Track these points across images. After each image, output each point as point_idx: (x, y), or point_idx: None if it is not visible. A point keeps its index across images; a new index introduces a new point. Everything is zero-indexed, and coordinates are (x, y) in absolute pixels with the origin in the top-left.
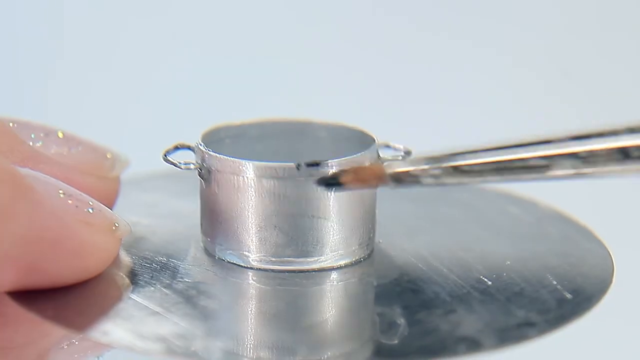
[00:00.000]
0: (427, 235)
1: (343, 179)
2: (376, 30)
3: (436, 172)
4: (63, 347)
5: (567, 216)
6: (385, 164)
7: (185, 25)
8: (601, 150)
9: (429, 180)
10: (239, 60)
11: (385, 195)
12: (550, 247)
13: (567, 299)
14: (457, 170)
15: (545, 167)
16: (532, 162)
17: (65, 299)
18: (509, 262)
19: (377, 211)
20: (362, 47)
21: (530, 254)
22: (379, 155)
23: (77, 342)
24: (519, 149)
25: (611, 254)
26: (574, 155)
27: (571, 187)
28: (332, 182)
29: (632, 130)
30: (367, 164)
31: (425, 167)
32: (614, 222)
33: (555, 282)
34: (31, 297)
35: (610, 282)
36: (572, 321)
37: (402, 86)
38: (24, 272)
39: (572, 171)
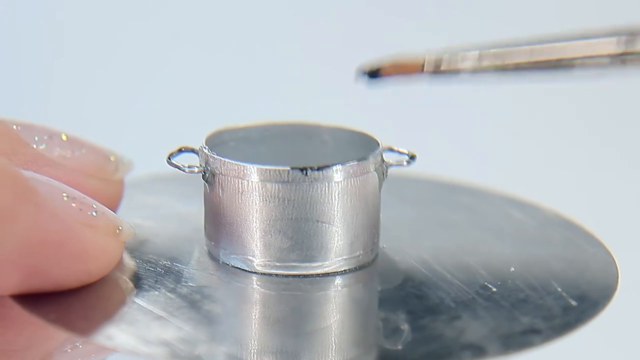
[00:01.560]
0: (431, 240)
1: (383, 65)
2: (380, 33)
3: (474, 56)
4: (66, 350)
5: (570, 221)
6: (426, 54)
7: (189, 28)
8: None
9: (468, 64)
10: (243, 63)
11: (389, 199)
12: (554, 252)
13: (572, 305)
14: (496, 56)
15: (580, 63)
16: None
17: (69, 303)
18: (513, 269)
19: (381, 216)
20: (366, 49)
21: (535, 260)
22: (383, 159)
23: (80, 346)
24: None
25: (615, 260)
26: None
27: (574, 190)
28: (374, 74)
29: None
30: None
31: (465, 53)
32: (618, 227)
33: (560, 289)
34: (34, 300)
35: (615, 288)
36: (577, 328)
37: (406, 89)
38: (27, 275)
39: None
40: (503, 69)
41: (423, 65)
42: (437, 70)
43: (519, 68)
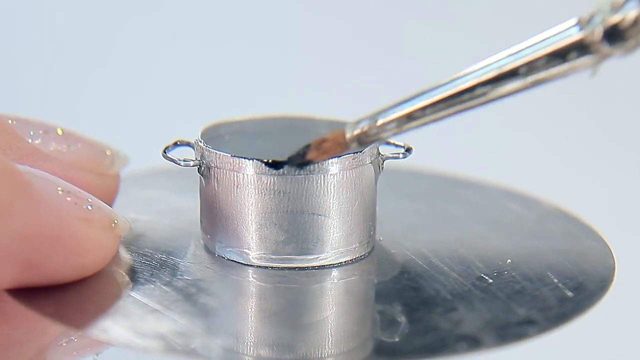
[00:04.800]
0: (427, 232)
1: (309, 156)
2: (376, 26)
3: (392, 125)
4: (62, 344)
5: (568, 213)
6: (345, 129)
7: (184, 22)
8: (539, 58)
9: (388, 133)
10: (238, 57)
11: (386, 192)
12: (551, 244)
13: (568, 297)
14: (411, 117)
15: (492, 90)
16: (478, 91)
17: (64, 296)
18: (510, 260)
19: (377, 208)
20: (362, 43)
21: (531, 252)
22: (379, 152)
23: (76, 340)
24: (462, 81)
25: (612, 252)
26: (514, 72)
27: (572, 184)
28: (301, 162)
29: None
30: (329, 136)
31: (381, 122)
32: (615, 219)
33: (556, 280)
34: (30, 294)
35: (612, 279)
36: (573, 319)
37: (402, 82)
38: (22, 269)
39: (519, 83)
40: (423, 125)
41: (346, 144)
42: (363, 144)
43: (437, 119)
